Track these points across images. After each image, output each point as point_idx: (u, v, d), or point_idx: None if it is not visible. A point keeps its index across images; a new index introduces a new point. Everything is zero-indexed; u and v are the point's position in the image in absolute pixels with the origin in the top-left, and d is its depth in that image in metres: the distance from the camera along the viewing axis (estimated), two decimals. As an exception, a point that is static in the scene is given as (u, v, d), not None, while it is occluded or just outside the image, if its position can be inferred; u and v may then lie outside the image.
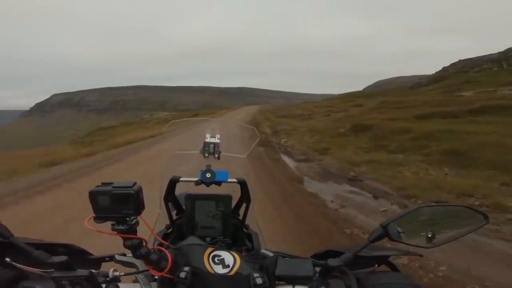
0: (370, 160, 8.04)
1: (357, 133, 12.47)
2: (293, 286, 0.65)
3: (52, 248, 0.71)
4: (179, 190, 1.07)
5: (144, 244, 0.59)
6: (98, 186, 0.56)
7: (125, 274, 0.67)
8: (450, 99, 18.78)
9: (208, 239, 0.98)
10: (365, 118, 15.07)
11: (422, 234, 0.72)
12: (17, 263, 0.67)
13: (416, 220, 0.73)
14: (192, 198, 0.99)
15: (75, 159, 9.85)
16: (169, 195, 1.06)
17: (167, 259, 0.60)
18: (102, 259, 0.77)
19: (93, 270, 0.61)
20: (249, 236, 1.03)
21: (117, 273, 0.65)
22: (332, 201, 5.17)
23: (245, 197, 1.08)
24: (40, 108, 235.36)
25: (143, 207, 0.58)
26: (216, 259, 0.65)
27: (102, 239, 1.42)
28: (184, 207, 1.03)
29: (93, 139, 19.32)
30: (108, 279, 0.64)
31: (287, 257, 0.76)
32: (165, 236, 1.02)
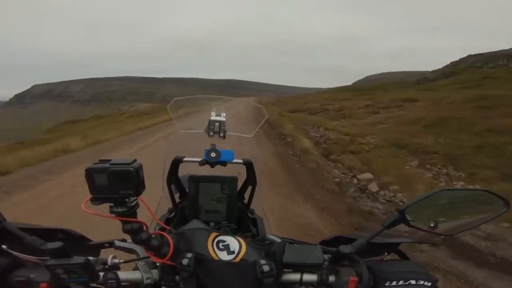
0: None
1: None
2: (301, 273, 0.62)
3: (48, 234, 0.67)
4: (183, 171, 1.03)
5: (144, 228, 0.57)
6: (96, 163, 0.52)
7: (125, 261, 0.63)
8: None
9: (212, 224, 0.96)
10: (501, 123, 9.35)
11: (440, 220, 0.68)
12: (14, 250, 0.62)
13: (434, 204, 0.68)
14: (196, 180, 0.96)
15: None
16: (172, 176, 1.02)
17: (168, 245, 0.57)
18: (101, 245, 0.72)
19: (91, 257, 0.59)
20: (254, 221, 1.00)
21: (116, 260, 0.61)
22: None
23: (251, 179, 1.04)
24: (20, 99, 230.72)
25: (143, 187, 0.54)
26: (220, 244, 0.62)
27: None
28: (187, 190, 0.99)
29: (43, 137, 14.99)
30: (106, 266, 0.60)
31: (294, 243, 0.71)
32: (167, 221, 0.99)
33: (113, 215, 0.54)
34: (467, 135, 9.26)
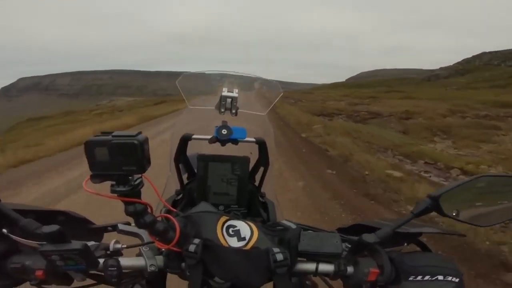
0: None
1: None
2: (317, 263, 0.58)
3: (47, 216, 0.64)
4: (192, 150, 0.97)
5: (149, 210, 0.52)
6: (97, 135, 0.47)
7: (128, 247, 0.59)
8: None
9: (221, 207, 0.91)
10: None
11: (478, 209, 0.63)
12: (14, 234, 0.56)
13: (471, 192, 0.62)
14: (205, 159, 0.90)
15: None
16: (180, 155, 0.96)
17: (174, 229, 0.53)
18: (104, 229, 0.68)
19: (93, 242, 0.58)
20: (265, 206, 0.95)
21: (119, 246, 0.58)
22: None
23: (264, 159, 0.97)
24: (6, 93, 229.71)
25: (148, 163, 0.48)
26: (230, 230, 0.58)
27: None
28: (196, 170, 0.93)
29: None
30: (108, 252, 0.57)
31: (310, 230, 0.66)
32: (174, 203, 0.94)
33: (115, 194, 0.48)
34: None
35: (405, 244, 0.67)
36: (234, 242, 0.56)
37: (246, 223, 0.59)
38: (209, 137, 0.87)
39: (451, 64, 51.15)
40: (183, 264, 0.56)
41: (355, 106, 17.16)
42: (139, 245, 0.60)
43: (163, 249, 0.57)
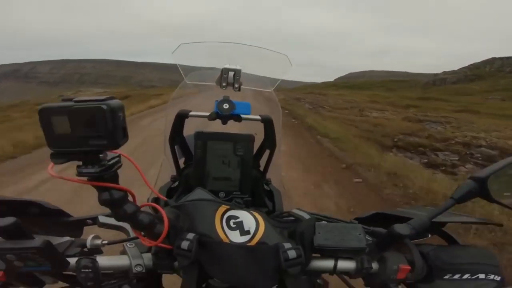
0: None
1: None
2: (336, 260, 0.50)
3: (17, 207, 0.55)
4: (190, 131, 0.84)
5: (130, 199, 0.43)
6: (56, 103, 0.37)
7: (109, 243, 0.50)
8: None
9: (221, 194, 0.78)
10: None
11: None
12: None
13: None
14: (203, 137, 0.77)
15: None
16: (176, 135, 0.83)
17: (163, 222, 0.45)
18: (83, 222, 0.59)
19: (67, 238, 0.50)
20: (270, 194, 0.86)
21: (98, 242, 0.49)
22: None
23: (270, 140, 0.84)
24: None
25: (124, 136, 0.38)
26: (232, 222, 0.48)
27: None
28: (193, 152, 0.80)
29: None
30: (86, 249, 0.49)
31: (325, 220, 0.55)
32: (170, 192, 0.82)
33: (84, 178, 0.38)
34: None
35: (429, 235, 0.59)
36: (236, 237, 0.47)
37: (251, 213, 0.50)
38: (208, 113, 0.77)
39: (456, 68, 48.03)
40: (175, 263, 0.47)
41: (426, 126, 11.17)
42: (123, 241, 0.51)
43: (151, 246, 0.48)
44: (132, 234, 0.51)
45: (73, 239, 0.50)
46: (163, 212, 0.45)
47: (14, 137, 6.10)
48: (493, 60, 45.29)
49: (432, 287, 0.49)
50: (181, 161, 0.86)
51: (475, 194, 0.48)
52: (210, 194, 0.52)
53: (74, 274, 0.46)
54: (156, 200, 0.60)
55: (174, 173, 0.85)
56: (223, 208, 0.49)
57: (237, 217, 0.49)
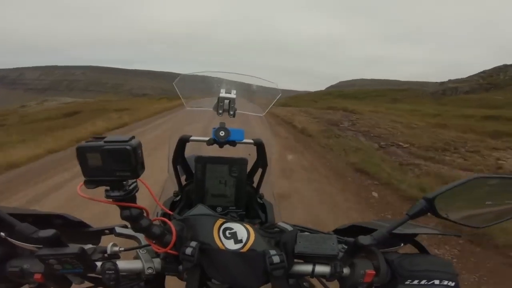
0: None
1: None
2: (314, 265, 0.59)
3: (44, 220, 0.64)
4: (190, 151, 0.99)
5: (145, 214, 0.53)
6: (89, 140, 0.47)
7: (125, 250, 0.59)
8: None
9: (219, 209, 0.92)
10: None
11: (473, 210, 0.63)
12: (12, 238, 0.57)
13: (467, 193, 0.61)
14: (202, 161, 0.91)
15: None
16: (178, 157, 0.97)
17: (171, 233, 0.55)
18: (101, 232, 0.68)
19: (90, 245, 0.58)
20: (263, 207, 0.97)
21: (116, 248, 0.57)
22: None
23: (262, 161, 0.98)
24: None
25: (142, 168, 0.49)
26: (227, 232, 0.58)
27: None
28: (194, 172, 0.96)
29: None
30: (106, 255, 0.57)
31: (306, 231, 0.66)
32: (173, 205, 0.97)
33: (110, 199, 0.49)
34: None
35: (402, 244, 0.67)
36: (231, 245, 0.56)
37: (243, 225, 0.59)
38: (207, 138, 0.87)
39: (465, 76, 44.88)
40: (180, 267, 0.56)
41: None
42: (136, 248, 0.59)
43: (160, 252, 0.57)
44: (143, 242, 0.59)
45: (95, 246, 0.58)
46: (172, 225, 0.54)
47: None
48: (505, 68, 42.48)
49: None
50: (183, 178, 0.99)
51: (425, 211, 0.56)
52: (209, 210, 0.62)
53: (98, 275, 0.55)
54: (164, 214, 0.67)
55: (177, 189, 0.98)
56: (220, 221, 0.59)
57: (232, 229, 0.58)
